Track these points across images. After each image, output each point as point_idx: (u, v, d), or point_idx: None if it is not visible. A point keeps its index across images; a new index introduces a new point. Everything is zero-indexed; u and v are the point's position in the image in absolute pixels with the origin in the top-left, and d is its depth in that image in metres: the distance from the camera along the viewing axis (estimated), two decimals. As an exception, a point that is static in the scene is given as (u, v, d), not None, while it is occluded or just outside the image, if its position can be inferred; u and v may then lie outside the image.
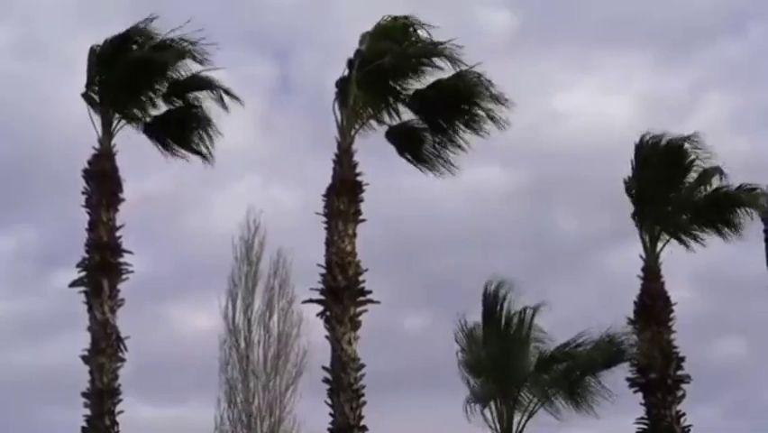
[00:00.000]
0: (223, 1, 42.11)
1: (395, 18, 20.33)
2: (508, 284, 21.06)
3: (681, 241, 21.92)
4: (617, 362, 20.83)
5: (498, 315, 20.98)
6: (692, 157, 21.83)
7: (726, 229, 21.88)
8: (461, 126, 20.86)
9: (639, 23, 42.57)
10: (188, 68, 21.23)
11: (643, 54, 45.02)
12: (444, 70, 20.30)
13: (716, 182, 21.77)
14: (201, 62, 20.96)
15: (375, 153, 21.30)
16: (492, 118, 20.40)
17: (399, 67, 20.46)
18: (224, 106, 21.27)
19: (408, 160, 21.41)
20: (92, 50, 21.00)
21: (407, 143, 21.31)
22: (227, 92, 21.19)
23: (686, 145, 21.76)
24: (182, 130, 21.82)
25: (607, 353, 20.63)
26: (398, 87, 20.75)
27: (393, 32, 20.33)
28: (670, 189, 21.69)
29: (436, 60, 20.25)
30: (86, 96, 21.02)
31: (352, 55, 20.45)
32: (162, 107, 21.71)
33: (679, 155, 21.77)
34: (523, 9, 42.79)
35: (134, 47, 21.01)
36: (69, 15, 39.84)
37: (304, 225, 28.00)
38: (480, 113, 20.59)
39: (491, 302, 21.05)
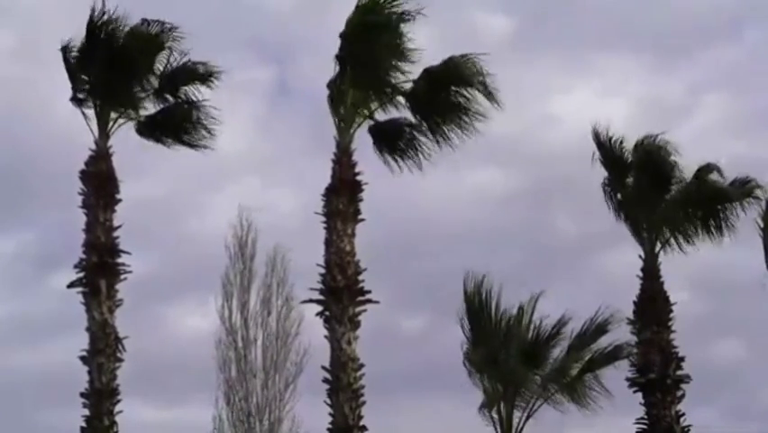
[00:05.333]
0: (221, 6, 42.15)
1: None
2: (489, 281, 20.81)
3: (677, 241, 21.89)
4: (615, 358, 20.75)
5: (485, 313, 20.72)
6: (673, 159, 21.84)
7: (721, 227, 21.83)
8: (456, 115, 20.82)
9: (636, 26, 42.60)
10: (175, 58, 21.19)
11: (640, 58, 45.08)
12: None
13: (712, 179, 21.74)
14: (179, 43, 20.92)
15: (374, 154, 21.32)
16: (486, 94, 20.41)
17: (384, 55, 20.43)
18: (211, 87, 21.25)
19: (385, 156, 21.18)
20: (65, 48, 20.83)
21: (388, 139, 21.09)
22: (212, 76, 21.10)
23: (665, 147, 21.76)
24: (175, 125, 21.69)
25: (595, 336, 20.51)
26: (389, 78, 20.69)
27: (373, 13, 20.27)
28: (660, 191, 21.66)
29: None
30: (75, 99, 20.99)
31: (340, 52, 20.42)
32: (155, 105, 21.63)
33: (661, 157, 21.75)
34: (519, 13, 42.81)
35: (112, 39, 20.78)
36: (68, 17, 39.79)
37: (302, 227, 28.08)
38: (471, 96, 20.59)
39: (473, 301, 20.77)
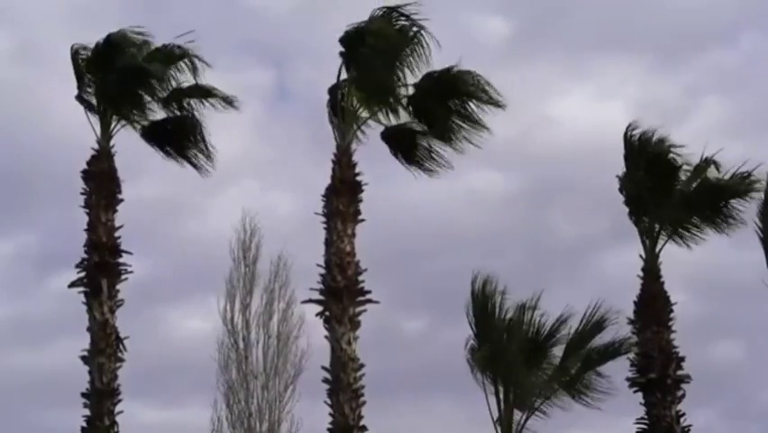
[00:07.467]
0: (220, 9, 42.30)
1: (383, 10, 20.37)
2: (494, 281, 20.78)
3: (680, 237, 21.92)
4: (615, 354, 20.72)
5: (490, 313, 20.70)
6: (680, 156, 21.88)
7: (723, 222, 21.83)
8: (456, 118, 20.93)
9: (633, 29, 42.74)
10: (186, 75, 21.38)
11: (638, 60, 45.21)
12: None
13: (711, 174, 21.75)
14: (195, 70, 21.16)
15: (374, 155, 21.40)
16: (486, 100, 20.53)
17: (392, 62, 20.54)
18: (223, 110, 21.48)
19: (401, 161, 21.57)
20: (75, 52, 21.04)
21: (401, 145, 21.40)
22: (227, 100, 21.33)
23: (672, 146, 21.81)
24: (179, 139, 21.86)
25: (593, 333, 20.48)
26: (393, 83, 20.79)
27: (380, 25, 20.33)
28: (664, 187, 21.69)
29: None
30: (79, 98, 21.08)
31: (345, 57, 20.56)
32: (160, 113, 21.76)
33: (666, 155, 21.81)
34: (517, 15, 42.97)
35: (128, 50, 21.04)
36: (67, 20, 39.96)
37: (301, 229, 28.18)
38: (473, 103, 20.73)
39: (480, 300, 20.75)
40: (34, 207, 39.48)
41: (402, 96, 21.00)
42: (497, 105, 20.51)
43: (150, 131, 21.74)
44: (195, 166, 21.96)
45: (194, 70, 21.14)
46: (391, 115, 21.26)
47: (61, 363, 26.04)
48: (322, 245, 20.08)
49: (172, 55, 21.19)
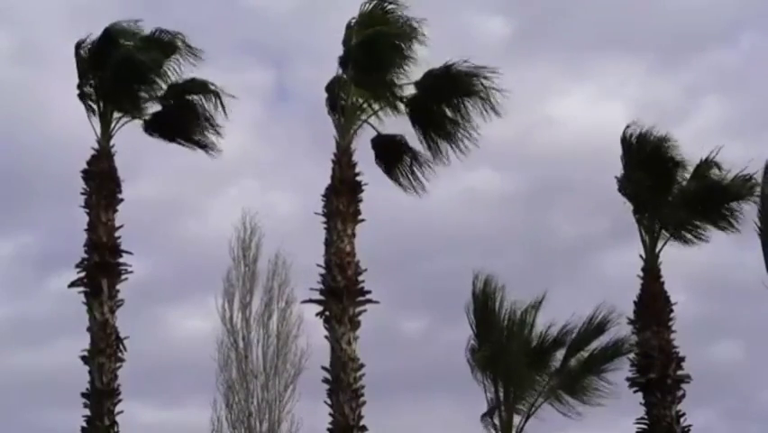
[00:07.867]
0: (220, 9, 42.33)
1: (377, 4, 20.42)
2: (495, 281, 20.77)
3: (681, 237, 21.92)
4: (616, 354, 20.74)
5: (490, 313, 20.70)
6: (679, 156, 21.89)
7: (723, 222, 21.84)
8: (453, 119, 20.94)
9: (634, 29, 42.77)
10: (183, 68, 21.36)
11: (638, 60, 45.24)
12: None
13: (712, 174, 21.77)
14: (193, 57, 21.14)
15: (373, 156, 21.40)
16: (483, 99, 20.57)
17: (388, 56, 20.55)
18: (221, 109, 21.43)
19: (384, 171, 21.59)
20: (78, 46, 21.04)
21: (386, 155, 21.42)
22: (220, 97, 21.28)
23: (670, 145, 21.83)
24: (184, 125, 21.77)
25: (595, 334, 20.49)
26: (392, 80, 20.81)
27: (376, 20, 20.33)
28: (663, 187, 21.71)
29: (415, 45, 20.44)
30: (81, 95, 21.07)
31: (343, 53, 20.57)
32: (158, 107, 21.69)
33: (664, 154, 21.82)
34: (517, 15, 43.00)
35: (124, 42, 20.99)
36: (67, 20, 39.95)
37: (301, 229, 28.19)
38: (471, 107, 20.77)
39: (481, 300, 20.74)
40: (34, 207, 39.49)
41: (402, 95, 21.01)
42: (495, 108, 20.55)
43: (153, 122, 21.69)
44: (204, 148, 21.83)
45: (184, 54, 21.09)
46: (391, 113, 21.25)
47: (61, 363, 26.05)
48: (322, 245, 20.11)
49: (161, 42, 21.10)
